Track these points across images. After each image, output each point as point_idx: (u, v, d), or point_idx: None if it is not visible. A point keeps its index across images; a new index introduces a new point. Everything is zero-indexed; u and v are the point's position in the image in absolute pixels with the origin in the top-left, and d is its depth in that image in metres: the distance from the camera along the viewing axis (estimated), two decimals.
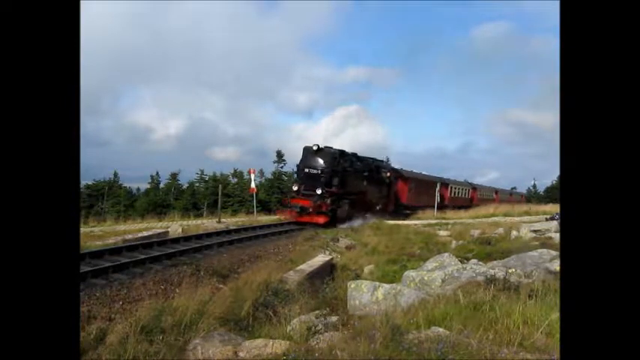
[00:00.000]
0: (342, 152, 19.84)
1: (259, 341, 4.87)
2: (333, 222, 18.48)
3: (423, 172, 35.06)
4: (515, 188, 74.92)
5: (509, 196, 63.51)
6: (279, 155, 55.45)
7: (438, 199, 30.69)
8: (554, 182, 67.57)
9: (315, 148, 19.12)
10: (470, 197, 42.66)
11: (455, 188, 38.95)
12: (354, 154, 21.48)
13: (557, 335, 3.79)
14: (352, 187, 20.35)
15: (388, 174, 25.69)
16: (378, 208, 24.16)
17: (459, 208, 36.33)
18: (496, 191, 59.12)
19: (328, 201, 18.25)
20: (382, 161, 26.56)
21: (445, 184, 36.10)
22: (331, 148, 19.54)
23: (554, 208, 29.07)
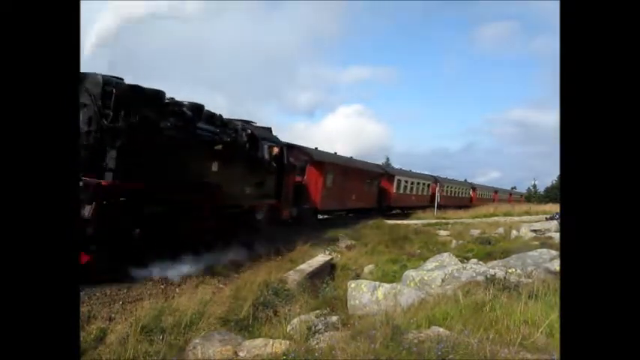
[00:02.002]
0: (134, 88, 7.11)
1: (259, 341, 4.87)
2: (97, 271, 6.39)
3: (354, 158, 23.66)
4: (515, 188, 74.95)
5: (509, 196, 61.26)
6: None
7: (438, 198, 30.31)
8: (554, 182, 67.49)
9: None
10: (430, 194, 33.17)
11: (408, 182, 29.84)
12: (196, 107, 8.84)
13: (558, 335, 3.79)
14: (162, 172, 7.40)
15: (275, 151, 11.98)
16: (255, 218, 11.63)
17: (410, 209, 30.28)
18: (496, 191, 55.98)
19: (88, 209, 5.77)
20: (268, 130, 12.46)
21: (391, 175, 27.10)
22: (112, 78, 6.68)
23: (554, 207, 29.05)
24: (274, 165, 12.01)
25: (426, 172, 36.35)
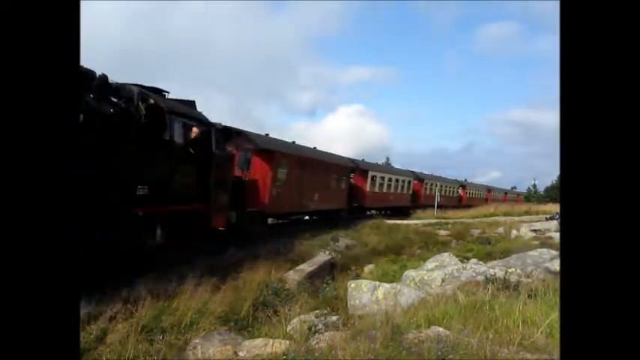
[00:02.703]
0: None
1: (259, 341, 4.88)
2: None
3: (317, 148, 18.71)
4: (515, 187, 74.86)
5: (504, 195, 57.75)
6: None
7: (438, 198, 30.09)
8: (554, 182, 67.43)
9: None
10: (412, 193, 30.17)
11: (385, 179, 25.47)
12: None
13: (558, 335, 3.79)
14: None
15: (195, 133, 8.28)
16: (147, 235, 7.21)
17: (389, 210, 26.49)
18: (489, 190, 51.74)
19: None
20: (189, 104, 9.08)
21: (364, 171, 22.70)
22: None
23: (554, 207, 29.05)
24: (194, 153, 8.12)
25: (406, 168, 32.00)
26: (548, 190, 70.75)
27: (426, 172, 35.06)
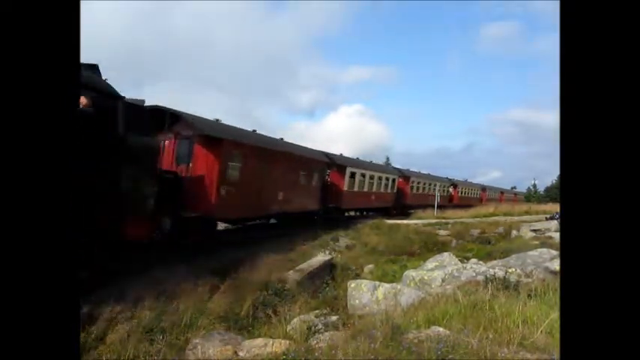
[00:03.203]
0: None
1: (259, 341, 4.88)
2: None
3: (285, 140, 16.09)
4: (515, 187, 74.82)
5: (500, 195, 54.99)
6: None
7: (438, 198, 29.85)
8: (554, 182, 67.41)
9: None
10: (396, 192, 27.64)
11: (366, 177, 22.67)
12: None
13: (557, 335, 3.79)
14: None
15: (84, 104, 5.11)
16: None
17: (370, 212, 24.95)
18: (484, 189, 48.59)
19: None
20: (92, 68, 6.11)
21: (341, 167, 20.14)
22: None
23: (554, 207, 29.06)
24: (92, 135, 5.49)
25: (392, 165, 29.85)
26: (548, 190, 70.72)
27: (414, 170, 32.19)
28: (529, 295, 5.29)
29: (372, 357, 3.58)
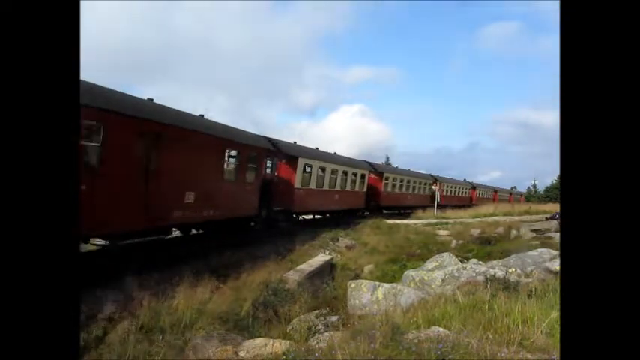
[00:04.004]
0: None
1: (259, 341, 4.88)
2: None
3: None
4: (515, 187, 74.75)
5: (494, 194, 50.60)
6: None
7: (438, 198, 29.68)
8: (554, 182, 67.35)
9: None
10: (366, 190, 22.79)
11: (326, 171, 18.17)
12: None
13: (557, 334, 3.79)
14: None
15: None
16: None
17: (333, 215, 20.60)
18: (473, 187, 43.27)
19: None
20: None
21: (291, 158, 15.72)
22: None
23: (554, 207, 29.06)
24: None
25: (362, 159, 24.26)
26: (548, 190, 70.66)
27: (391, 165, 28.41)
28: (529, 295, 5.29)
29: (372, 357, 3.58)
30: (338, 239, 15.25)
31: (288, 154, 15.51)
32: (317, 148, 18.86)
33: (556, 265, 7.52)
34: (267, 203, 13.77)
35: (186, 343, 5.10)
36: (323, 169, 17.98)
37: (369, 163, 24.64)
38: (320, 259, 11.60)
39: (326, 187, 18.44)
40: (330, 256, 12.44)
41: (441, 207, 31.05)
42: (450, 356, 3.54)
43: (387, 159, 60.79)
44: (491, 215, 26.83)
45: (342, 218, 20.64)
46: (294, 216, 17.01)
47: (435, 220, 23.41)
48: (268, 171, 14.33)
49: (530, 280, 6.99)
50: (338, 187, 19.54)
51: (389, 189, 25.95)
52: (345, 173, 20.26)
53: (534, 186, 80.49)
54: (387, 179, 25.57)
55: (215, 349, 4.79)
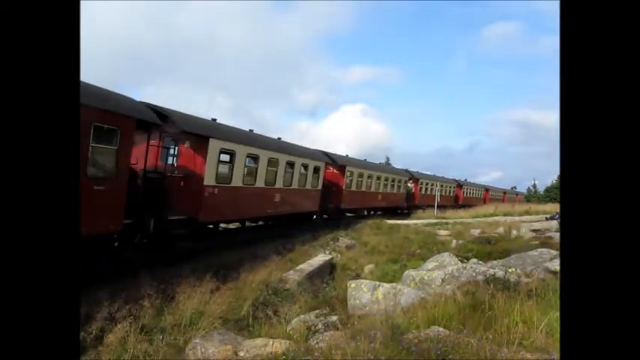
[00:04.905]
0: None
1: (259, 340, 4.88)
2: None
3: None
4: (515, 187, 74.68)
5: (485, 192, 45.28)
6: None
7: (438, 198, 29.68)
8: (554, 182, 67.28)
9: None
10: (321, 188, 17.85)
11: (261, 160, 13.03)
12: None
13: (557, 334, 3.79)
14: None
15: None
16: None
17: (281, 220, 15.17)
18: (459, 185, 38.63)
19: None
20: None
21: (202, 139, 10.43)
22: None
23: (554, 207, 29.06)
24: None
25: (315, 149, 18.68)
26: (548, 189, 70.62)
27: (356, 158, 22.38)
28: (529, 295, 5.29)
29: (372, 357, 3.58)
30: (338, 239, 15.26)
31: (202, 135, 10.50)
32: (252, 130, 13.59)
33: (556, 265, 7.52)
34: (149, 209, 9.02)
35: (186, 343, 5.10)
36: (255, 157, 12.63)
37: (326, 154, 19.05)
38: (320, 259, 11.60)
39: (262, 183, 13.18)
40: (330, 256, 12.45)
41: (415, 207, 27.92)
42: (450, 356, 3.54)
43: (387, 159, 60.75)
44: (491, 215, 26.86)
45: (285, 227, 15.31)
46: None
47: (435, 220, 23.43)
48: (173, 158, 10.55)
49: (530, 280, 6.99)
50: (280, 184, 14.31)
51: (353, 186, 20.87)
52: (290, 165, 14.92)
53: (534, 186, 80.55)
54: (350, 174, 20.58)
55: (215, 349, 4.78)
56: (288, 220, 16.06)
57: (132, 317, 5.46)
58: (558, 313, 3.71)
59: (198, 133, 10.38)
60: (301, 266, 10.22)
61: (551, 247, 10.38)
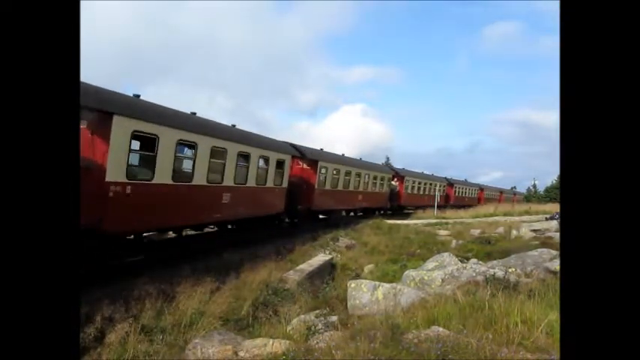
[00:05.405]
0: None
1: (259, 341, 4.87)
2: None
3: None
4: (515, 187, 74.64)
5: (479, 192, 41.95)
6: None
7: (438, 197, 29.74)
8: (554, 182, 67.22)
9: None
10: (293, 187, 15.50)
11: (201, 150, 9.65)
12: None
13: (557, 334, 3.79)
14: None
15: None
16: None
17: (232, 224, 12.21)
18: (450, 184, 35.51)
19: None
20: None
21: (105, 115, 6.99)
22: None
23: (555, 207, 29.08)
24: None
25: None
26: (548, 189, 70.56)
27: (325, 151, 18.78)
28: (529, 295, 5.29)
29: (372, 357, 3.58)
30: (338, 239, 15.25)
31: (102, 110, 7.41)
32: (196, 114, 10.49)
33: (556, 265, 7.52)
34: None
35: (186, 343, 5.10)
36: (191, 145, 9.75)
37: (294, 146, 15.91)
38: (320, 259, 11.60)
39: (205, 180, 10.28)
40: (330, 256, 12.44)
41: (402, 208, 25.58)
42: (450, 356, 3.54)
43: (387, 159, 60.63)
44: (491, 215, 26.89)
45: (242, 233, 12.75)
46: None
47: (435, 220, 23.45)
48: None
49: (530, 280, 6.99)
50: (231, 182, 11.33)
51: (327, 185, 17.92)
52: (245, 157, 11.93)
53: (534, 186, 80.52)
54: (323, 170, 17.42)
55: (215, 349, 4.78)
56: (245, 226, 13.08)
57: (132, 317, 5.56)
58: (558, 313, 3.71)
59: (99, 108, 7.18)
60: (301, 266, 10.22)
61: (551, 247, 10.39)
